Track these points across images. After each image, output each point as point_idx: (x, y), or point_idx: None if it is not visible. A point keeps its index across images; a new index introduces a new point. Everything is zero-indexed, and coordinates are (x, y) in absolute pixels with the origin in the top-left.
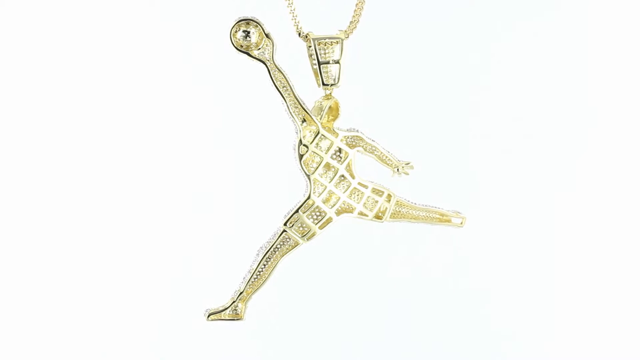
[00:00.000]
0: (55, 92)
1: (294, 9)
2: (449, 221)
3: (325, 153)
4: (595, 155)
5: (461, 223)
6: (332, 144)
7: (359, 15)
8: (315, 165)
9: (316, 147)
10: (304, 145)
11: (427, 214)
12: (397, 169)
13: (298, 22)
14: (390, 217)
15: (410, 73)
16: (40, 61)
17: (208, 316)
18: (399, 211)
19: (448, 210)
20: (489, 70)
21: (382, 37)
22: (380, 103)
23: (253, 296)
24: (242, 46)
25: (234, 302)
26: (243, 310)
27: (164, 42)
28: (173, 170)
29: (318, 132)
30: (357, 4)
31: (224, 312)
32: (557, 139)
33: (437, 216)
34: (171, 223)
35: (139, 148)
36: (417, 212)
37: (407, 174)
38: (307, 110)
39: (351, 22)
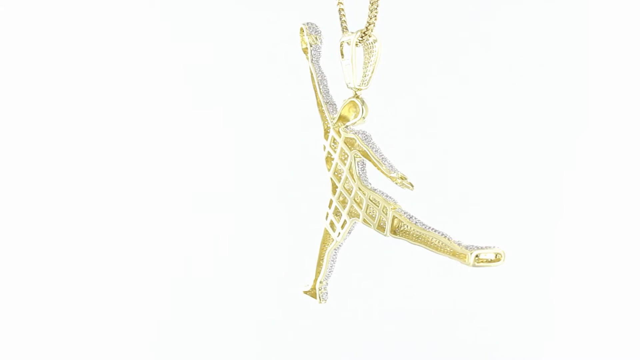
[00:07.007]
0: (60, 90)
1: (342, 8)
2: (455, 255)
3: (335, 153)
4: (600, 163)
5: (469, 262)
6: (338, 144)
7: (374, 17)
8: (329, 164)
9: (330, 147)
10: (324, 143)
11: (428, 240)
12: (397, 180)
13: (345, 21)
14: (391, 233)
15: (435, 75)
16: (45, 62)
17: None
18: (398, 228)
19: (459, 242)
20: (502, 76)
21: (406, 39)
22: (406, 108)
23: (327, 282)
24: (305, 48)
25: (316, 284)
26: (319, 294)
27: (205, 39)
28: (223, 164)
29: (326, 132)
30: (371, 3)
31: (309, 291)
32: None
33: (441, 245)
34: (238, 215)
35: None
36: (419, 233)
37: (409, 187)
38: (326, 110)
39: (367, 22)
